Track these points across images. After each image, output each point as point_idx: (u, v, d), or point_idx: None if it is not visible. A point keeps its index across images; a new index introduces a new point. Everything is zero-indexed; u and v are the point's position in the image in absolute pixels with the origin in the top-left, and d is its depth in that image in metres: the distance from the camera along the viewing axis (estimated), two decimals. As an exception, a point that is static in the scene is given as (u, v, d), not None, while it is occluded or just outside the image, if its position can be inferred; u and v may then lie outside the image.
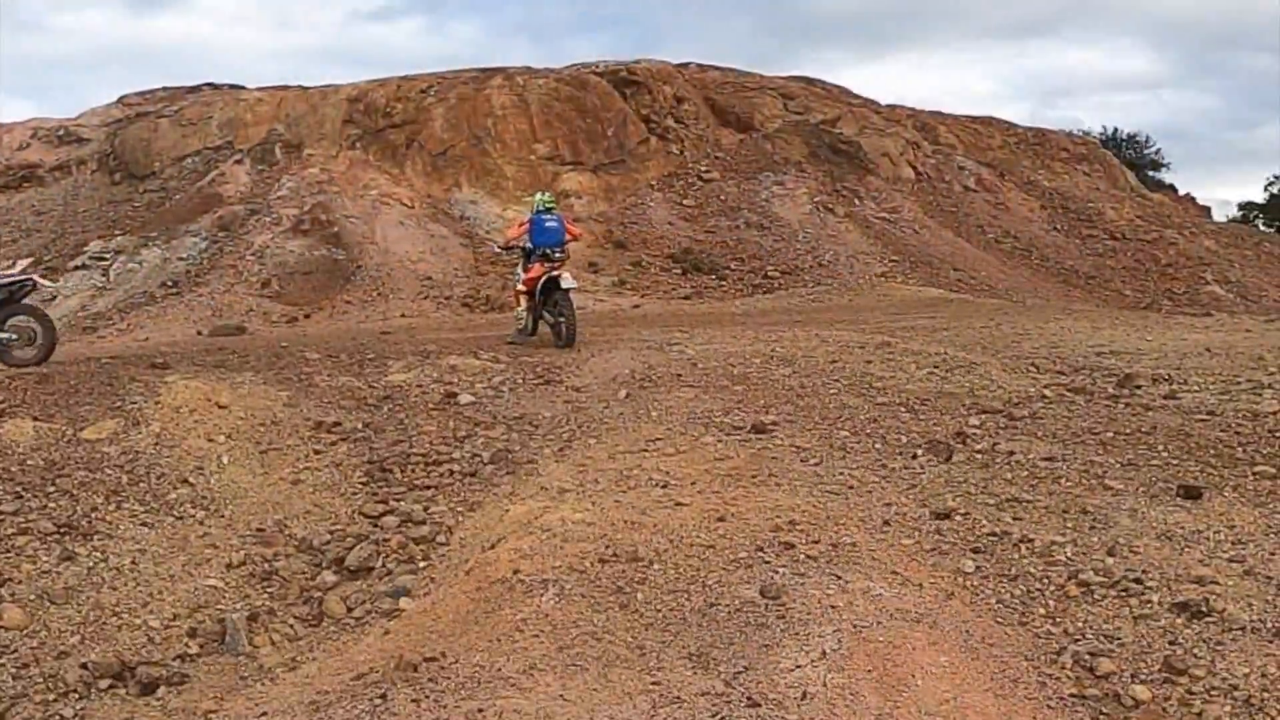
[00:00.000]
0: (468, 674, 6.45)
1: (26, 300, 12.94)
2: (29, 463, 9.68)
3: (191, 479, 9.72)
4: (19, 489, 9.26)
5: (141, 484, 9.56)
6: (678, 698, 6.26)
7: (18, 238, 26.99)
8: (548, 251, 14.79)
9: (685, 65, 33.87)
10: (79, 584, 8.31)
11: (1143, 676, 6.70)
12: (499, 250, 17.79)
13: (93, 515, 9.05)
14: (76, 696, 7.36)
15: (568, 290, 14.42)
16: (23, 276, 13.16)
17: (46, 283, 14.39)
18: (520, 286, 15.14)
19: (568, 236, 15.19)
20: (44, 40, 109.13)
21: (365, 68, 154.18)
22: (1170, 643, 6.91)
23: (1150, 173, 43.14)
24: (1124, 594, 7.40)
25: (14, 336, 12.51)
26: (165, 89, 32.62)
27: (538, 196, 15.75)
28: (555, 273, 14.54)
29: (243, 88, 32.00)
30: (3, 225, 27.77)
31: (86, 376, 11.73)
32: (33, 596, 8.14)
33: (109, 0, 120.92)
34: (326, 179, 26.90)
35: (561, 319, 14.38)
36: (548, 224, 14.98)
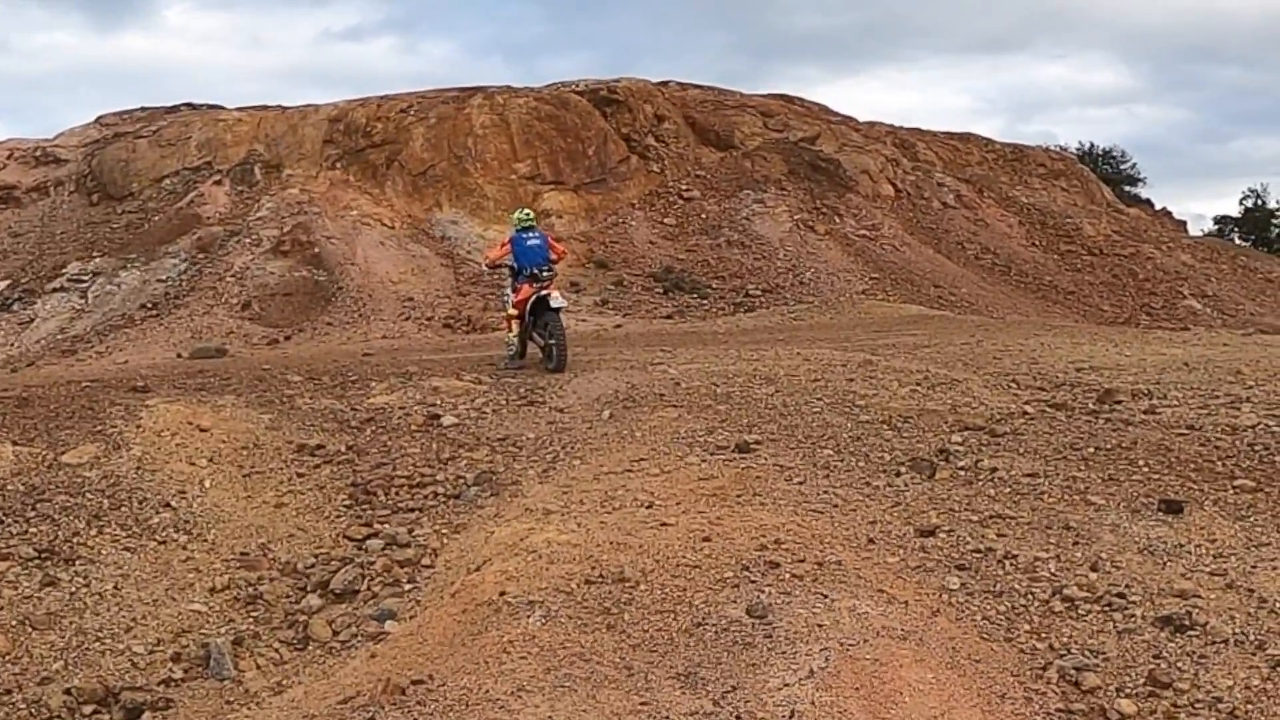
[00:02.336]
0: (455, 696, 6.44)
1: None
2: (9, 488, 9.62)
3: (174, 503, 9.67)
4: (-1, 514, 9.21)
5: (123, 508, 9.51)
6: (666, 717, 6.27)
7: (-5, 260, 26.87)
8: (535, 271, 14.21)
9: (665, 83, 34.00)
10: (61, 609, 8.27)
11: (1128, 690, 6.75)
12: (485, 269, 17.22)
13: (74, 540, 9.00)
14: (60, 723, 7.32)
15: (558, 310, 13.88)
16: None
17: None
18: (510, 310, 14.46)
19: (553, 255, 14.64)
20: (10, 60, 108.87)
21: (338, 87, 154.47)
22: (1154, 657, 6.95)
23: (1126, 188, 43.48)
24: (1108, 609, 7.44)
25: None
26: (143, 109, 32.51)
27: (516, 214, 15.18)
28: (545, 292, 13.98)
29: (221, 108, 31.93)
30: (-20, 247, 27.64)
31: (66, 400, 11.68)
32: (14, 622, 8.09)
33: (73, 20, 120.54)
34: (307, 199, 26.87)
35: (553, 341, 13.77)
36: (529, 242, 14.39)
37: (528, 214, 15.10)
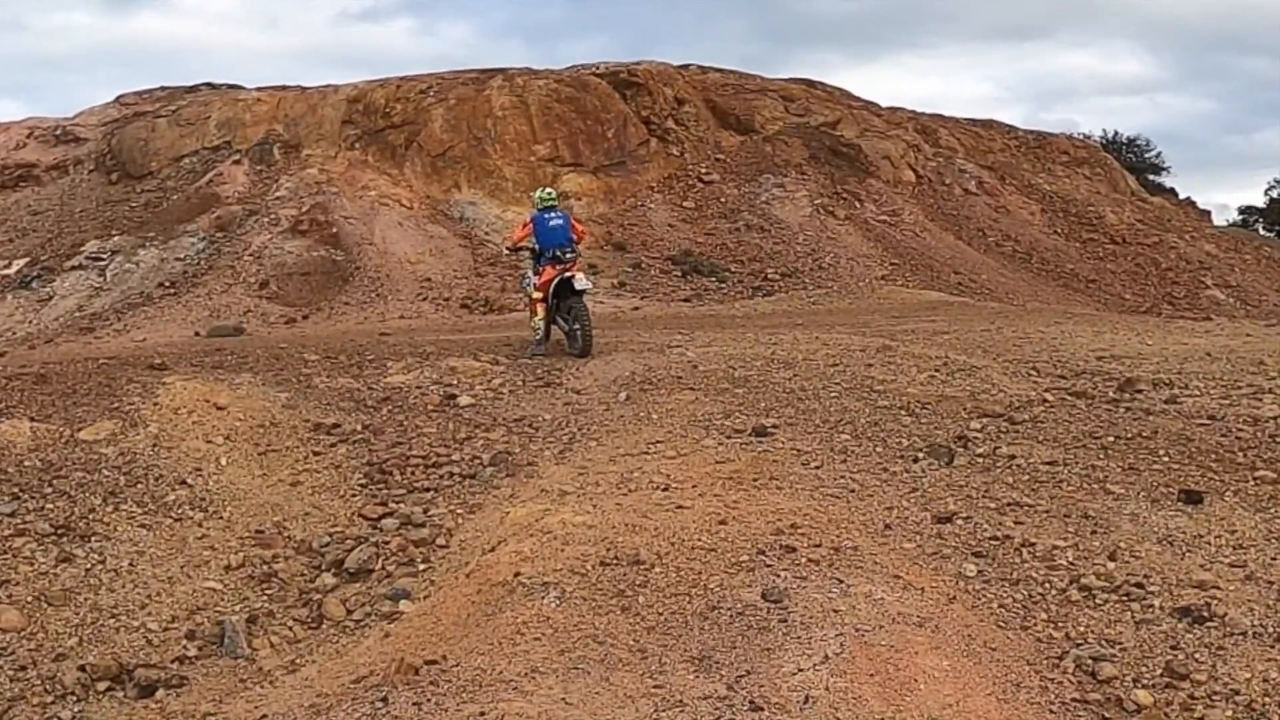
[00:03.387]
0: (469, 677, 6.43)
1: None
2: (26, 464, 9.65)
3: (190, 480, 9.69)
4: (16, 490, 9.24)
5: (139, 485, 9.53)
6: (680, 701, 6.24)
7: (14, 237, 26.91)
8: (557, 252, 13.82)
9: (686, 67, 33.83)
10: (77, 586, 8.29)
11: (1144, 681, 6.70)
12: (507, 251, 16.50)
13: (90, 517, 9.02)
14: (74, 699, 7.35)
15: (582, 293, 13.56)
16: None
17: None
18: (535, 294, 14.00)
19: (578, 233, 14.30)
20: (26, 39, 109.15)
21: (356, 69, 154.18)
22: (1172, 647, 6.90)
23: (1150, 176, 43.11)
24: (1125, 599, 7.39)
25: None
26: (163, 88, 32.49)
27: (538, 193, 14.74)
28: (568, 274, 13.61)
29: (241, 88, 31.89)
30: (-1, 225, 27.73)
31: (84, 377, 11.71)
32: (30, 598, 8.12)
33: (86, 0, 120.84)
34: (325, 180, 26.85)
35: (577, 326, 13.45)
36: (551, 223, 13.94)
37: (550, 193, 14.68)
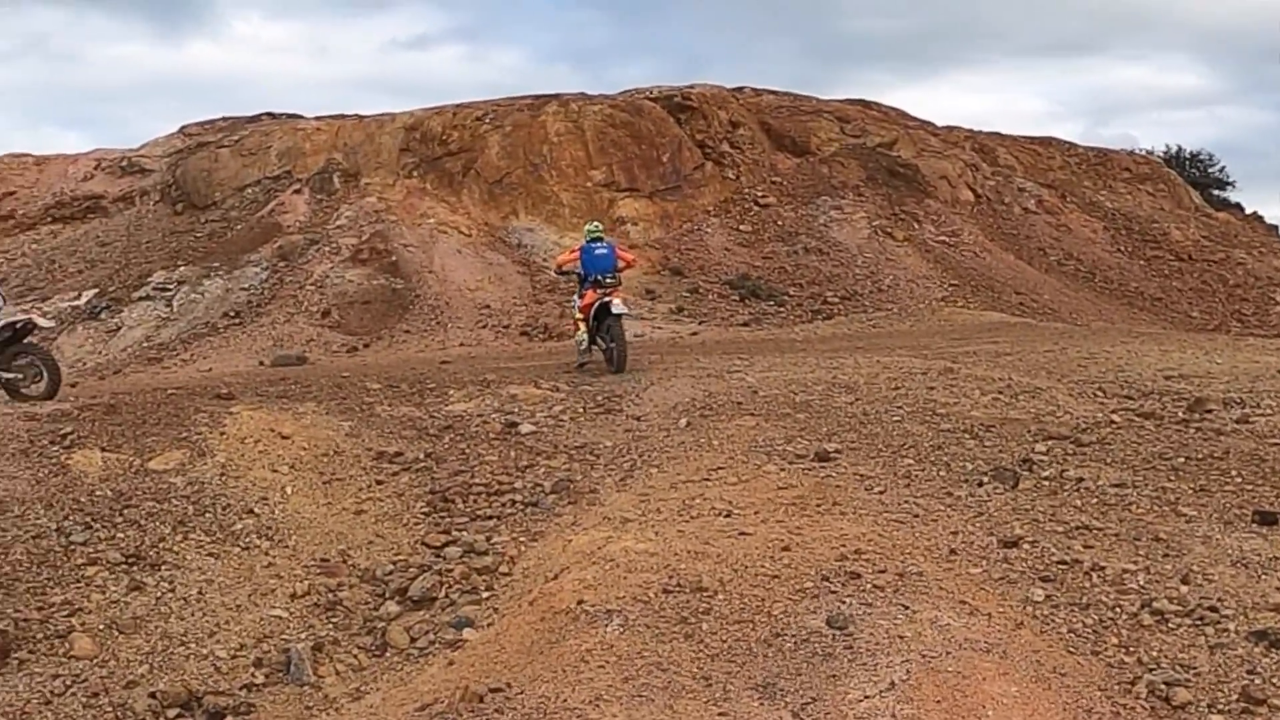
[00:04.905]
0: (533, 705, 6.44)
1: (28, 339, 13.26)
2: (98, 493, 9.81)
3: (256, 509, 9.81)
4: (88, 519, 9.39)
5: (208, 514, 9.66)
6: (745, 730, 6.21)
7: (83, 269, 27.46)
8: (599, 278, 15.26)
9: (740, 89, 33.84)
10: (147, 614, 8.42)
11: (1220, 707, 6.58)
12: (554, 272, 18.47)
13: (160, 546, 9.16)
14: (145, 726, 7.45)
15: (619, 316, 14.80)
16: (23, 317, 13.59)
17: (44, 321, 14.81)
18: (577, 315, 15.61)
19: (621, 263, 15.71)
20: (84, 72, 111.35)
21: (407, 96, 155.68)
22: (1248, 672, 6.78)
23: (1215, 191, 42.42)
24: (1199, 622, 7.26)
25: (20, 376, 12.82)
26: (225, 118, 32.97)
27: (587, 226, 16.39)
28: (607, 298, 14.94)
29: (300, 117, 32.33)
30: (69, 256, 28.23)
31: (153, 407, 11.89)
32: (102, 626, 8.25)
33: (140, 31, 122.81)
34: (384, 208, 27.12)
35: (613, 344, 14.76)
36: (597, 251, 15.48)
37: (597, 226, 16.30)
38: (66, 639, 8.10)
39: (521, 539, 9.28)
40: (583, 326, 15.36)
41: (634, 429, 11.62)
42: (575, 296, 15.97)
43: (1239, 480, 9.10)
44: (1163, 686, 6.74)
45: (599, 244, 15.61)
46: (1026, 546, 8.22)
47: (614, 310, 14.77)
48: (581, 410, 12.36)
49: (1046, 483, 9.33)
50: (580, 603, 7.41)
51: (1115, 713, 6.58)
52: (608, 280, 15.25)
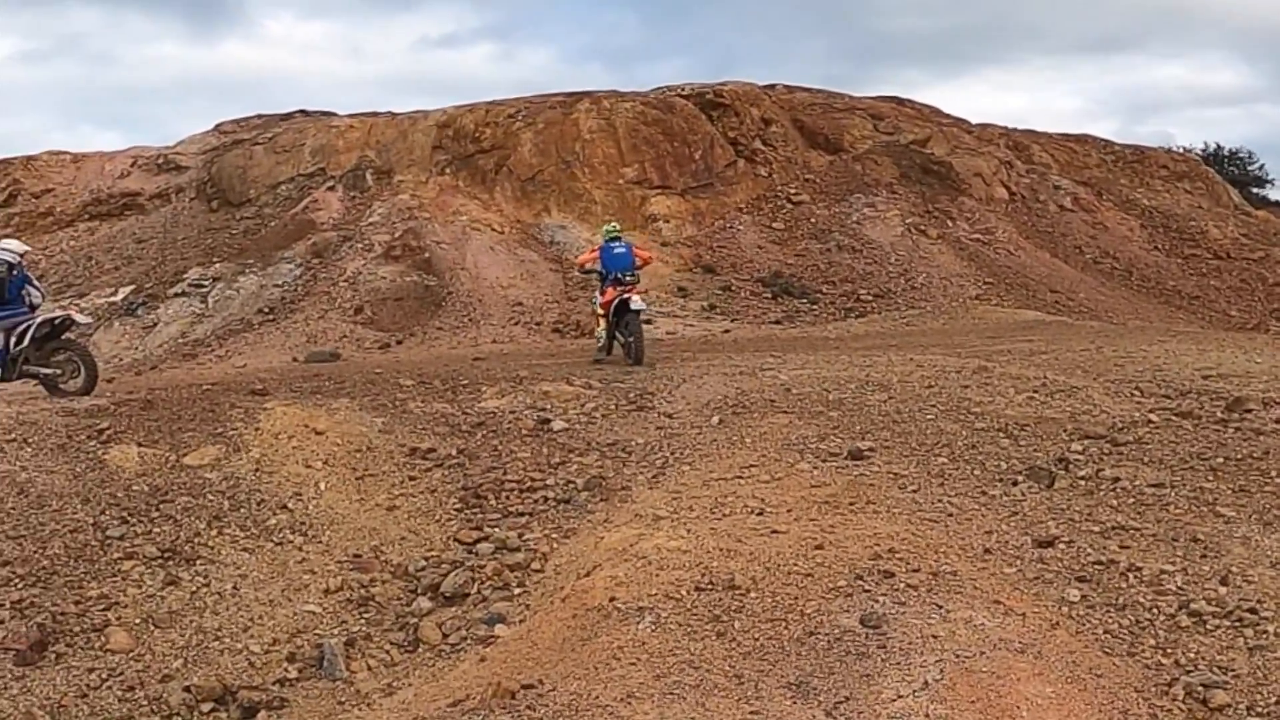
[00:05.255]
0: (565, 701, 6.43)
1: (65, 335, 13.38)
2: (134, 488, 9.88)
3: (290, 505, 9.85)
4: (125, 514, 9.46)
5: (242, 509, 9.71)
6: (777, 729, 6.18)
7: (120, 265, 27.72)
8: (619, 275, 15.95)
9: (772, 87, 33.75)
10: (182, 608, 8.47)
11: (1259, 709, 6.51)
12: (577, 270, 19.50)
13: (195, 541, 9.21)
14: (180, 719, 7.49)
15: (637, 312, 15.50)
16: (61, 313, 13.75)
17: (82, 317, 15.01)
18: (598, 310, 16.30)
19: (638, 261, 16.43)
20: (119, 72, 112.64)
21: (438, 95, 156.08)
22: (1289, 676, 6.69)
23: (1254, 190, 41.96)
24: (1238, 624, 7.18)
25: (59, 371, 12.93)
26: (259, 116, 33.20)
27: (604, 227, 17.16)
28: (626, 295, 15.63)
29: (334, 114, 32.50)
30: (106, 253, 28.52)
31: (188, 403, 11.96)
32: (138, 620, 8.31)
33: (175, 31, 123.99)
34: (417, 205, 27.23)
35: (630, 338, 15.46)
36: (615, 250, 16.18)
37: (614, 226, 17.15)
38: (103, 633, 8.15)
39: (554, 536, 9.28)
40: (603, 322, 16.05)
41: (666, 426, 11.60)
42: (596, 294, 16.70)
43: (1279, 481, 8.98)
44: (1200, 689, 6.67)
45: (617, 243, 16.27)
46: (1062, 546, 8.15)
47: (633, 306, 15.43)
48: (614, 407, 12.36)
49: (1082, 482, 9.25)
50: (612, 600, 7.41)
51: (1152, 715, 6.52)
52: (627, 278, 15.93)
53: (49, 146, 34.00)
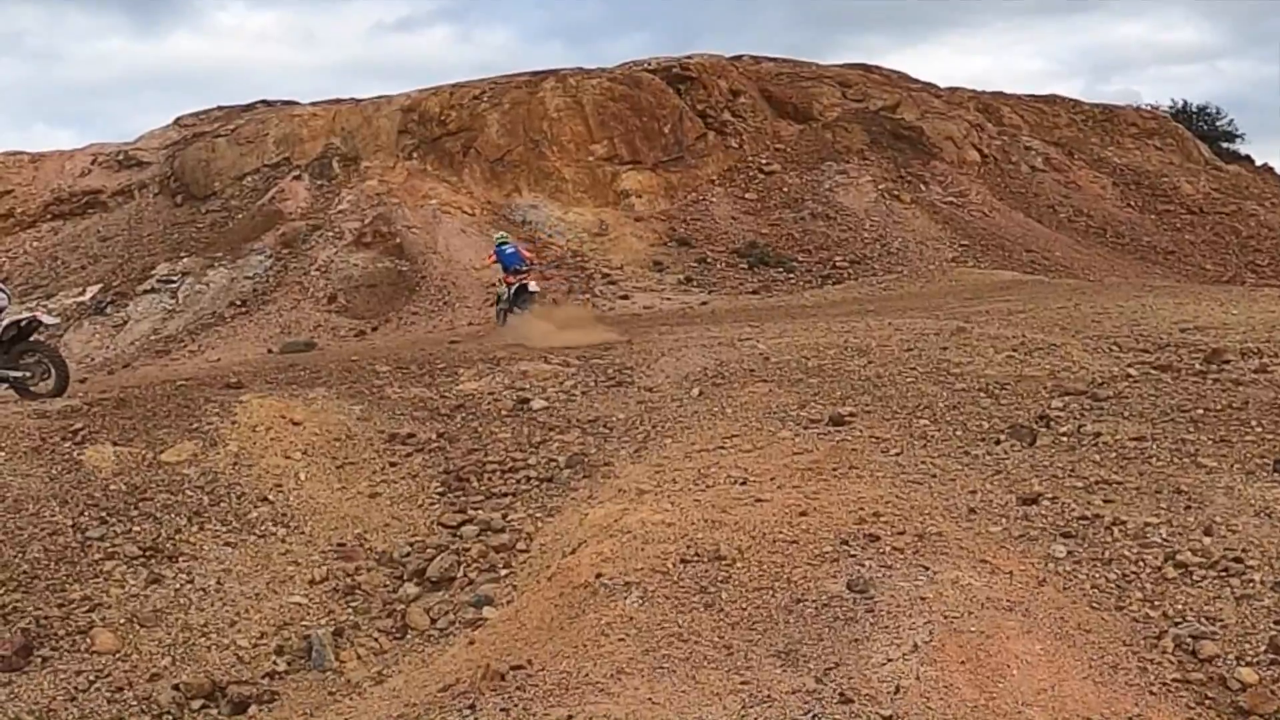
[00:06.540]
0: (555, 680, 6.40)
1: (34, 337, 13.22)
2: (111, 488, 9.78)
3: (271, 497, 9.77)
4: (103, 514, 9.37)
5: (222, 504, 9.63)
6: (768, 696, 6.17)
7: (86, 264, 27.43)
8: (516, 269, 19.74)
9: (739, 58, 33.61)
10: (167, 606, 8.40)
11: (1248, 658, 6.53)
12: (475, 268, 23.59)
13: (177, 538, 9.13)
14: (170, 718, 7.44)
15: (533, 293, 19.47)
16: (28, 315, 13.56)
17: (49, 318, 14.84)
18: (501, 289, 20.06)
19: (527, 258, 20.32)
20: (67, 69, 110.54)
21: (397, 80, 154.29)
22: (1276, 622, 6.73)
23: (1224, 144, 42.02)
24: (1224, 574, 7.20)
25: (29, 374, 12.78)
26: (220, 108, 32.78)
27: (495, 235, 21.76)
28: (525, 281, 19.55)
29: (296, 103, 32.19)
30: (71, 252, 28.19)
31: (163, 399, 11.84)
32: (123, 620, 8.23)
33: (118, 25, 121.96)
34: (385, 191, 27.05)
35: (524, 310, 18.93)
36: (507, 251, 20.01)
37: (503, 235, 21.50)
38: (88, 634, 8.08)
39: (538, 515, 9.24)
40: (504, 290, 19.84)
41: (646, 400, 11.56)
42: (501, 285, 20.10)
43: (1259, 430, 9.02)
44: (1189, 640, 6.69)
45: (507, 245, 20.23)
46: (1046, 503, 8.16)
47: (530, 289, 19.41)
48: (593, 384, 12.30)
49: (1064, 439, 9.26)
50: (599, 576, 7.38)
51: (1142, 668, 6.53)
52: (521, 269, 19.77)
53: (4, 147, 33.47)
